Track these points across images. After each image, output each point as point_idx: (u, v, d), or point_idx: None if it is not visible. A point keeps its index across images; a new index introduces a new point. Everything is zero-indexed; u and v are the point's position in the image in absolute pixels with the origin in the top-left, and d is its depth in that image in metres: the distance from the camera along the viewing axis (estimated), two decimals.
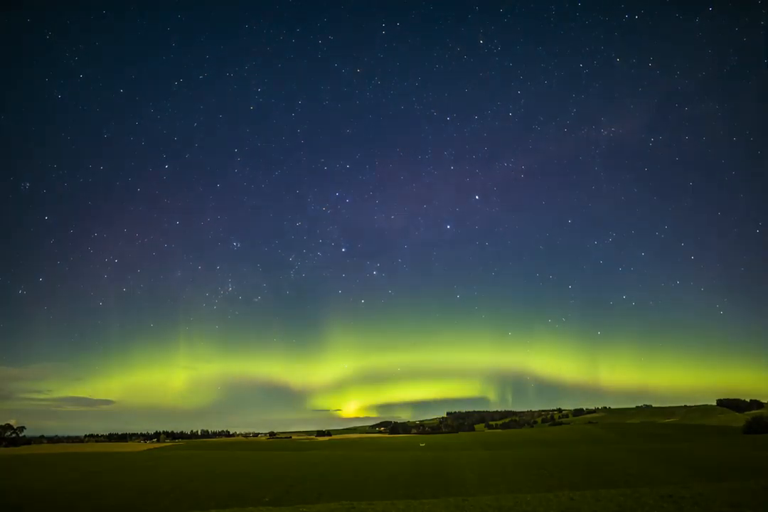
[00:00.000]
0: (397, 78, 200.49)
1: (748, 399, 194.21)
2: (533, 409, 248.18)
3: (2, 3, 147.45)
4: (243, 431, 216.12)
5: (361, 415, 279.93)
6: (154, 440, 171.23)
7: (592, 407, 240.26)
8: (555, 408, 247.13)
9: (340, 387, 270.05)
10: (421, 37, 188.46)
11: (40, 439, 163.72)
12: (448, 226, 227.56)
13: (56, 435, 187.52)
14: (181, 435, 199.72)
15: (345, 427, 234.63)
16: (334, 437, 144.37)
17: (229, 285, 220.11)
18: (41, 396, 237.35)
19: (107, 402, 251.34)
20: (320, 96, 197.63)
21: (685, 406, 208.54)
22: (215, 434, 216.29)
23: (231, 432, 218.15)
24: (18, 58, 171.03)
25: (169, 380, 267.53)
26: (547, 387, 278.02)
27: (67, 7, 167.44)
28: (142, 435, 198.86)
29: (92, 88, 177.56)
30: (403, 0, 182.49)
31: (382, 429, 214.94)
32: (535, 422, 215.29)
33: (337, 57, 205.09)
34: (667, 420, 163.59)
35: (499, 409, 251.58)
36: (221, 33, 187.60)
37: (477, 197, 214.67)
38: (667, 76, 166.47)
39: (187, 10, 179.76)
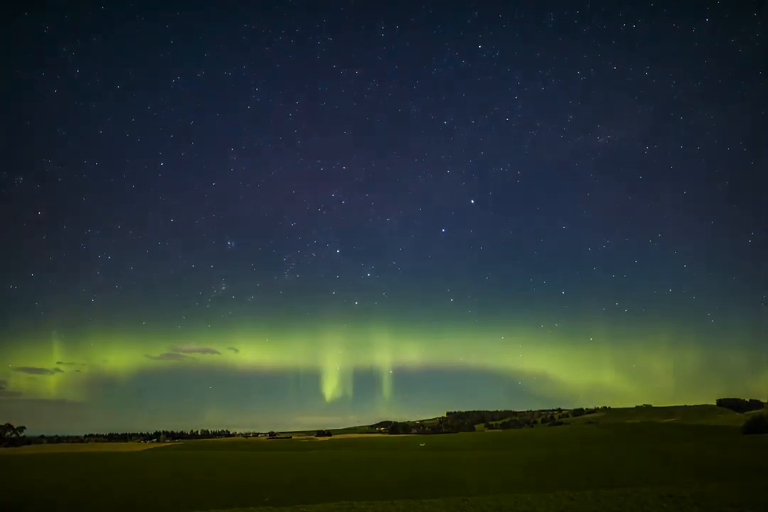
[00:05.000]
0: (395, 80, 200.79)
1: (748, 399, 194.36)
2: (533, 409, 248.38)
3: None
4: (243, 431, 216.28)
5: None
6: (154, 440, 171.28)
7: (592, 407, 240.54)
8: (555, 408, 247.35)
9: (333, 386, 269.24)
10: (420, 40, 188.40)
11: (40, 439, 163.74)
12: (443, 230, 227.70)
13: (56, 435, 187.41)
14: (181, 435, 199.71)
15: (345, 427, 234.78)
16: (334, 437, 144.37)
17: (223, 284, 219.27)
18: (29, 397, 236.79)
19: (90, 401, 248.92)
20: (318, 97, 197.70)
21: (685, 406, 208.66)
22: (215, 434, 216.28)
23: (231, 432, 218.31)
24: (14, 53, 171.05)
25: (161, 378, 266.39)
26: (539, 390, 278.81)
27: (66, 2, 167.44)
28: (142, 435, 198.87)
29: (89, 84, 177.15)
30: (403, 3, 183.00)
31: (382, 429, 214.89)
32: (535, 422, 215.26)
33: (336, 58, 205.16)
34: (667, 420, 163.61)
35: (499, 409, 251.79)
36: (220, 32, 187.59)
37: (472, 201, 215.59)
38: (663, 85, 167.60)
39: (186, 8, 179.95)
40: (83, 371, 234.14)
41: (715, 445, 38.03)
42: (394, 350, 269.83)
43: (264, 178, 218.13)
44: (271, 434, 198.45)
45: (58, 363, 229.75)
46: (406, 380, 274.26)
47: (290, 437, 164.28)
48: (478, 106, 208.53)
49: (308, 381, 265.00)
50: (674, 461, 27.97)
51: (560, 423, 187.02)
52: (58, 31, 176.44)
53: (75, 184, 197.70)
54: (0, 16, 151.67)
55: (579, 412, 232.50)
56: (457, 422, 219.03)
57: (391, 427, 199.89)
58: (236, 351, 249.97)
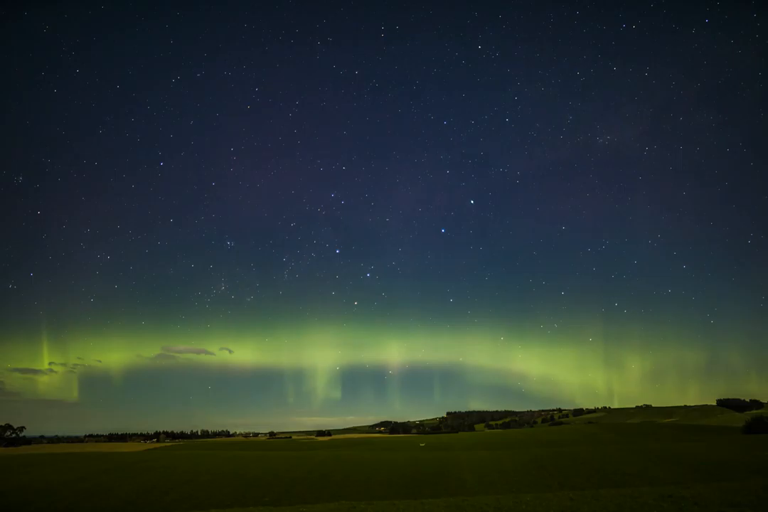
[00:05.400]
0: (394, 81, 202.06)
1: (748, 399, 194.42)
2: (533, 409, 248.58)
3: None
4: (243, 431, 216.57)
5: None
6: (154, 440, 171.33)
7: (592, 407, 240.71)
8: (555, 408, 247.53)
9: (332, 387, 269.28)
10: (420, 41, 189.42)
11: (40, 439, 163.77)
12: (443, 230, 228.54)
13: (56, 436, 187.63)
14: (181, 435, 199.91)
15: (345, 427, 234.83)
16: (334, 437, 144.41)
17: (222, 284, 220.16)
18: (28, 397, 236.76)
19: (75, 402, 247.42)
20: (318, 97, 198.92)
21: (685, 406, 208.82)
22: (215, 434, 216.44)
23: (231, 432, 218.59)
24: (15, 52, 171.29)
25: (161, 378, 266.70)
26: (539, 390, 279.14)
27: (66, 2, 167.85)
28: (141, 435, 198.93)
29: (88, 83, 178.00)
30: (403, 3, 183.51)
31: (382, 429, 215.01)
32: (535, 422, 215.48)
33: (336, 58, 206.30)
34: (667, 420, 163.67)
35: (499, 409, 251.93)
36: (220, 32, 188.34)
37: (472, 202, 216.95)
38: (662, 86, 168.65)
39: (186, 8, 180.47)
40: (81, 371, 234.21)
41: (715, 445, 38.01)
42: (394, 350, 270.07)
43: (263, 178, 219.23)
44: (271, 434, 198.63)
45: (52, 364, 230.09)
46: (406, 380, 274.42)
47: (290, 437, 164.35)
48: (477, 107, 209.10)
49: (308, 381, 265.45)
50: (674, 461, 27.96)
51: (560, 423, 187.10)
52: (58, 31, 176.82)
53: (74, 183, 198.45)
54: (0, 16, 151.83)
55: (579, 412, 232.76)
56: (457, 422, 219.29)
57: (391, 427, 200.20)
58: (230, 351, 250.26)
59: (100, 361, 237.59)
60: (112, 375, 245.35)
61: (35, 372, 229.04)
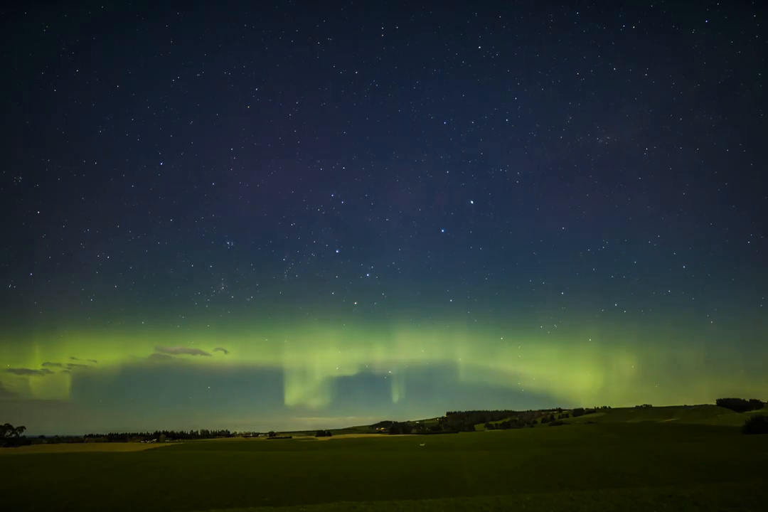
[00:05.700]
0: (394, 81, 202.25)
1: (748, 399, 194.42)
2: (533, 409, 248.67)
3: None
4: (243, 431, 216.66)
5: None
6: (154, 440, 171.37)
7: (592, 407, 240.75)
8: (555, 408, 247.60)
9: (332, 387, 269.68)
10: (420, 41, 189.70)
11: (40, 439, 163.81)
12: (443, 230, 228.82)
13: (56, 436, 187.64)
14: (181, 435, 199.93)
15: (345, 427, 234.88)
16: (334, 437, 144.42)
17: (222, 284, 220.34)
18: (27, 397, 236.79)
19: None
20: (318, 97, 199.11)
21: (685, 406, 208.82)
22: (215, 434, 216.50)
23: (231, 432, 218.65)
24: (15, 52, 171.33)
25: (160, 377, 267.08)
26: (539, 390, 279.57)
27: (66, 2, 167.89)
28: (141, 435, 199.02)
29: (88, 83, 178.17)
30: (403, 4, 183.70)
31: (382, 429, 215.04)
32: (535, 422, 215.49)
33: (336, 58, 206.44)
34: (667, 420, 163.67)
35: (499, 409, 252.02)
36: (220, 32, 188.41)
37: (472, 202, 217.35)
38: (662, 87, 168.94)
39: (186, 8, 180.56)
40: (76, 372, 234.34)
41: (715, 445, 38.00)
42: (394, 350, 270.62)
43: (263, 178, 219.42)
44: (271, 434, 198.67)
45: (46, 364, 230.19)
46: (406, 380, 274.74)
47: (290, 437, 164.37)
48: (478, 106, 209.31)
49: (308, 381, 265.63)
50: (674, 461, 27.95)
51: (560, 423, 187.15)
52: (58, 31, 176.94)
53: (74, 183, 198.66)
54: (0, 15, 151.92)
55: (579, 412, 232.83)
56: (457, 422, 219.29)
57: (391, 427, 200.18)
58: (225, 352, 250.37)
59: (95, 361, 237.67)
60: (108, 376, 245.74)
61: (30, 372, 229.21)
